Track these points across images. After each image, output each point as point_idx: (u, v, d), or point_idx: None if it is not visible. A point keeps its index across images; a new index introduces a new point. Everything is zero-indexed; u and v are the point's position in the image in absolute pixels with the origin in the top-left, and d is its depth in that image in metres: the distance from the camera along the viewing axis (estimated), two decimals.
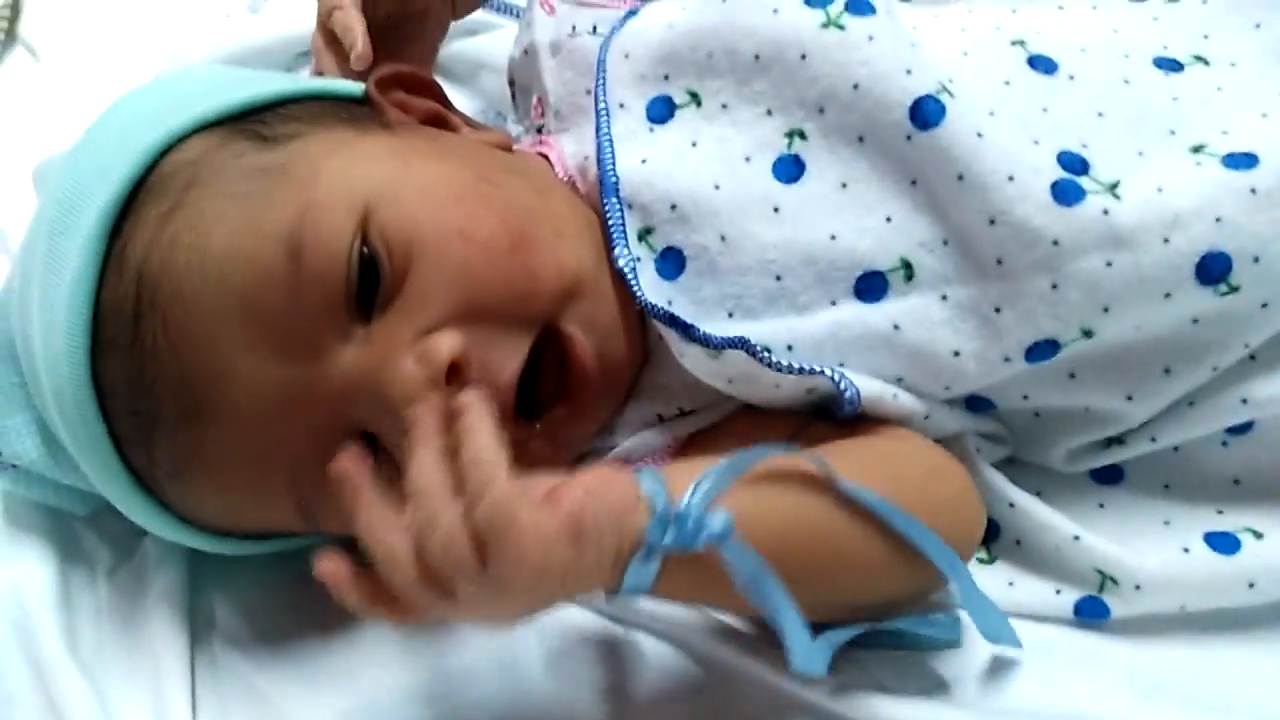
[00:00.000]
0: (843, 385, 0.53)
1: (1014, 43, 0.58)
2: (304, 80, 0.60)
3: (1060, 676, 0.53)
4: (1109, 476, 0.59)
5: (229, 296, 0.50)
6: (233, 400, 0.51)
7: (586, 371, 0.54)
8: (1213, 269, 0.51)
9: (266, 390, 0.51)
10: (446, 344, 0.50)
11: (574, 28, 0.64)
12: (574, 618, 0.57)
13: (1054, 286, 0.52)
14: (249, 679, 0.57)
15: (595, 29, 0.64)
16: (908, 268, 0.54)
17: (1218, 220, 0.51)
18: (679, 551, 0.45)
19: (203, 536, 0.58)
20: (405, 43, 0.70)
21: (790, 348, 0.55)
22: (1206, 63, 0.58)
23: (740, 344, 0.53)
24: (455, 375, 0.50)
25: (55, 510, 0.63)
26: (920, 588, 0.53)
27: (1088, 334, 0.53)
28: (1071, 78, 0.57)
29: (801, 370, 0.53)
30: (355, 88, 0.61)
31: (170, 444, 0.53)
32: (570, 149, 0.62)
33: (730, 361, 0.53)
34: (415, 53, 0.71)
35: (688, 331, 0.54)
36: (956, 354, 0.54)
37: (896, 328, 0.54)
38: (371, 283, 0.51)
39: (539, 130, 0.65)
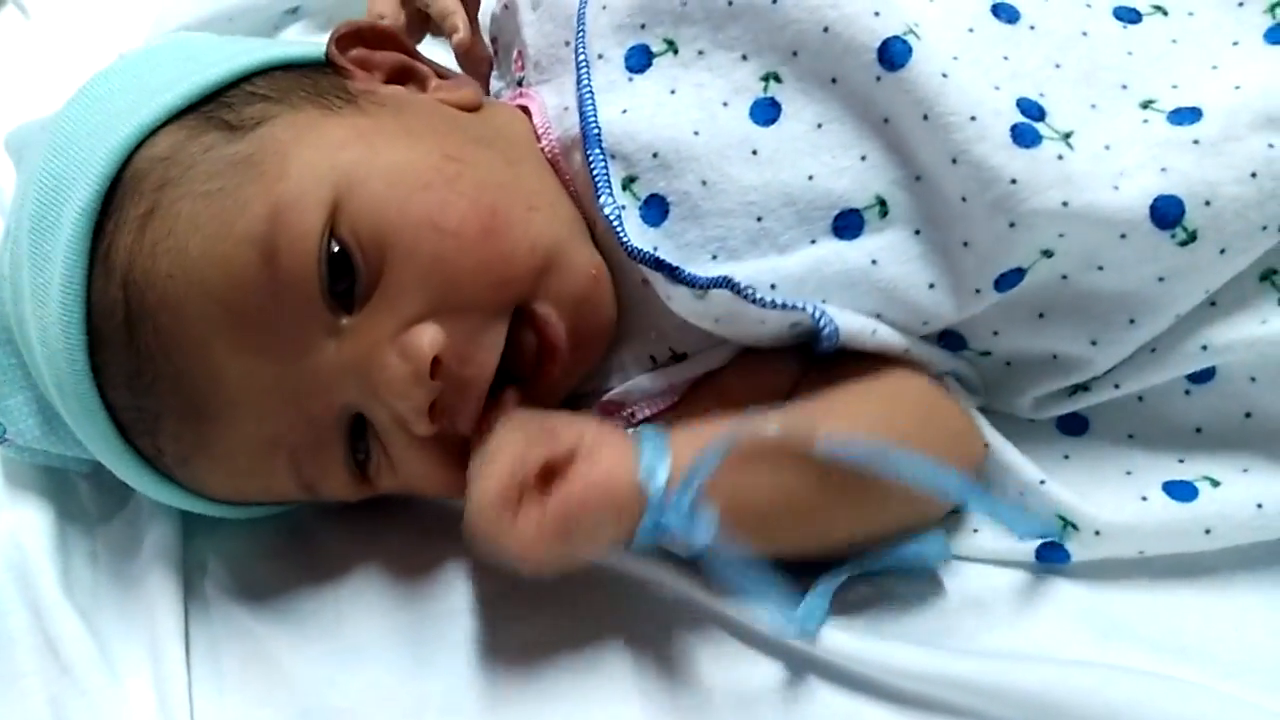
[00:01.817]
0: (822, 321, 0.55)
1: None
2: (268, 49, 0.60)
3: (1021, 618, 0.55)
4: (1075, 427, 0.61)
5: (211, 302, 0.51)
6: (229, 398, 0.53)
7: (557, 350, 0.56)
8: (1167, 212, 0.53)
9: (259, 387, 0.53)
10: (428, 338, 0.52)
11: None
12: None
13: (1011, 225, 0.53)
14: (240, 622, 0.59)
15: None
16: (882, 205, 0.56)
17: (1163, 170, 0.53)
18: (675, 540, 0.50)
19: (206, 504, 0.60)
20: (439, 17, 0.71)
21: (773, 286, 0.56)
22: (1165, 12, 0.60)
23: (725, 283, 0.55)
24: (437, 367, 0.52)
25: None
26: (924, 515, 0.56)
27: (1048, 254, 0.55)
28: (1033, 27, 0.58)
29: (783, 305, 0.55)
30: (318, 50, 0.61)
31: (175, 437, 0.55)
32: (551, 100, 0.63)
33: (715, 301, 0.55)
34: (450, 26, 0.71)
35: (674, 274, 0.56)
36: (931, 286, 0.56)
37: (874, 263, 0.56)
38: (348, 275, 0.53)
39: (519, 83, 0.66)
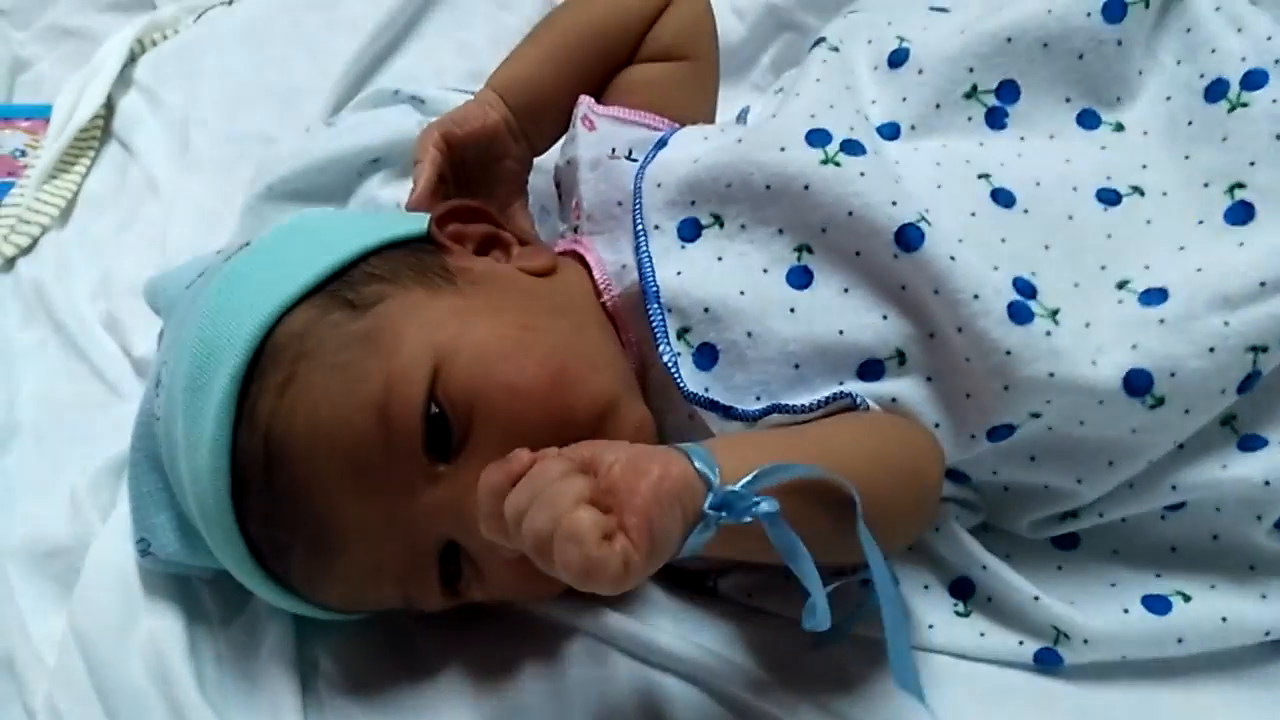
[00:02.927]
0: (859, 403, 0.64)
1: (980, 176, 0.70)
2: (379, 229, 0.69)
3: (1020, 713, 0.65)
4: (1066, 543, 0.71)
5: (338, 455, 0.61)
6: (347, 533, 0.63)
7: None
8: (1137, 383, 0.63)
9: (373, 525, 0.63)
10: None
11: (613, 150, 0.76)
12: (620, 664, 0.68)
13: (1005, 388, 0.63)
14: (351, 716, 0.68)
15: (631, 153, 0.76)
16: (901, 356, 0.66)
17: (1134, 347, 0.63)
18: (735, 522, 0.52)
19: (323, 611, 0.69)
20: (495, 185, 0.81)
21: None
22: (1142, 193, 0.70)
23: (775, 410, 0.65)
24: None
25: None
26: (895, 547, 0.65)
27: (1035, 415, 0.64)
28: (1026, 211, 0.68)
29: (827, 399, 0.64)
30: (419, 225, 0.71)
31: (302, 564, 0.65)
32: (607, 255, 0.73)
33: (767, 424, 0.65)
34: (505, 191, 0.83)
35: (728, 412, 0.66)
36: (937, 425, 0.66)
37: (894, 400, 0.66)
38: (444, 431, 0.62)
39: (575, 229, 0.77)
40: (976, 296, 0.63)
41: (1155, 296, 0.65)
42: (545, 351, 0.65)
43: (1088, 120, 0.74)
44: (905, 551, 0.71)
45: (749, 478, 0.53)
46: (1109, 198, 0.69)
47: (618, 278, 0.72)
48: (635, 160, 0.75)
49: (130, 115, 1.12)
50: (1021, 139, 0.73)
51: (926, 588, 0.70)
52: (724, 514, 0.52)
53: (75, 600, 0.72)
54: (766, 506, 0.53)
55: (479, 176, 0.81)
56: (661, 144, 0.76)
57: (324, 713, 0.69)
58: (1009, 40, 0.73)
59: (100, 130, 1.11)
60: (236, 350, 0.63)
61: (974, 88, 0.74)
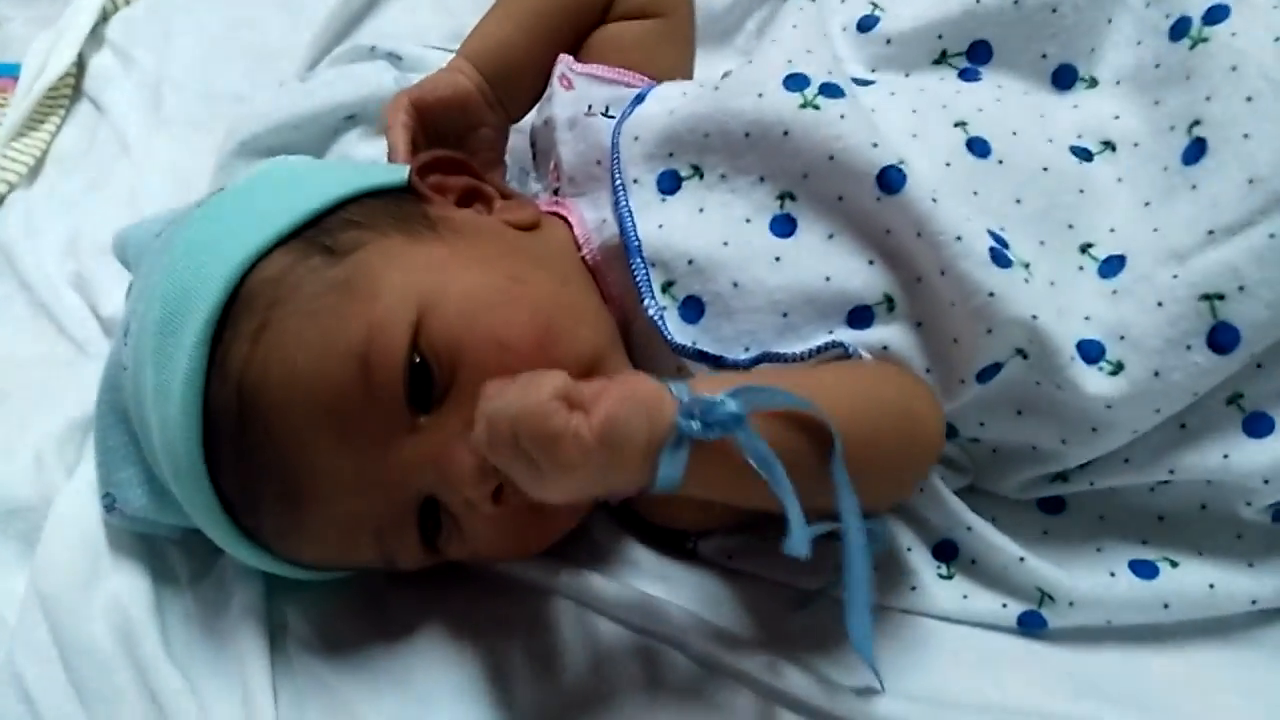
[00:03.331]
0: (852, 352, 0.63)
1: (957, 124, 0.69)
2: (358, 177, 0.67)
3: (1005, 677, 0.63)
4: (1053, 507, 0.70)
5: (314, 405, 0.59)
6: (322, 486, 0.61)
7: None
8: (1089, 351, 0.63)
9: (348, 476, 0.61)
10: None
11: (589, 107, 0.75)
12: (600, 626, 0.67)
13: (989, 331, 0.62)
14: (321, 677, 0.66)
15: (608, 109, 0.75)
16: (889, 301, 0.65)
17: (1086, 318, 0.63)
18: (705, 436, 0.51)
19: (295, 569, 0.67)
20: (471, 153, 0.79)
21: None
22: (1114, 148, 0.69)
23: (766, 358, 0.63)
24: None
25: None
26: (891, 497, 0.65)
27: (1022, 353, 0.63)
28: (1001, 162, 0.67)
29: (819, 349, 0.63)
30: (399, 175, 0.69)
31: (274, 517, 0.63)
32: (589, 214, 0.72)
33: (758, 372, 0.64)
34: (482, 160, 0.80)
35: (718, 362, 0.64)
36: (928, 371, 0.65)
37: (885, 348, 0.64)
38: (426, 382, 0.61)
39: (555, 191, 0.75)
40: (959, 238, 0.62)
41: (1113, 265, 0.65)
42: (533, 304, 0.64)
43: (1063, 78, 0.73)
44: (889, 513, 0.70)
45: (725, 393, 0.52)
46: (1083, 154, 0.69)
47: (598, 231, 0.71)
48: (612, 117, 0.74)
49: (102, 74, 1.10)
50: (999, 86, 0.73)
51: (909, 549, 0.69)
52: (694, 423, 0.51)
53: (38, 558, 0.70)
54: (733, 406, 0.51)
55: (454, 146, 0.79)
56: (639, 99, 0.74)
57: (293, 673, 0.67)
58: (977, 1, 0.72)
59: (71, 89, 1.09)
60: (209, 295, 0.61)
61: (943, 53, 0.73)
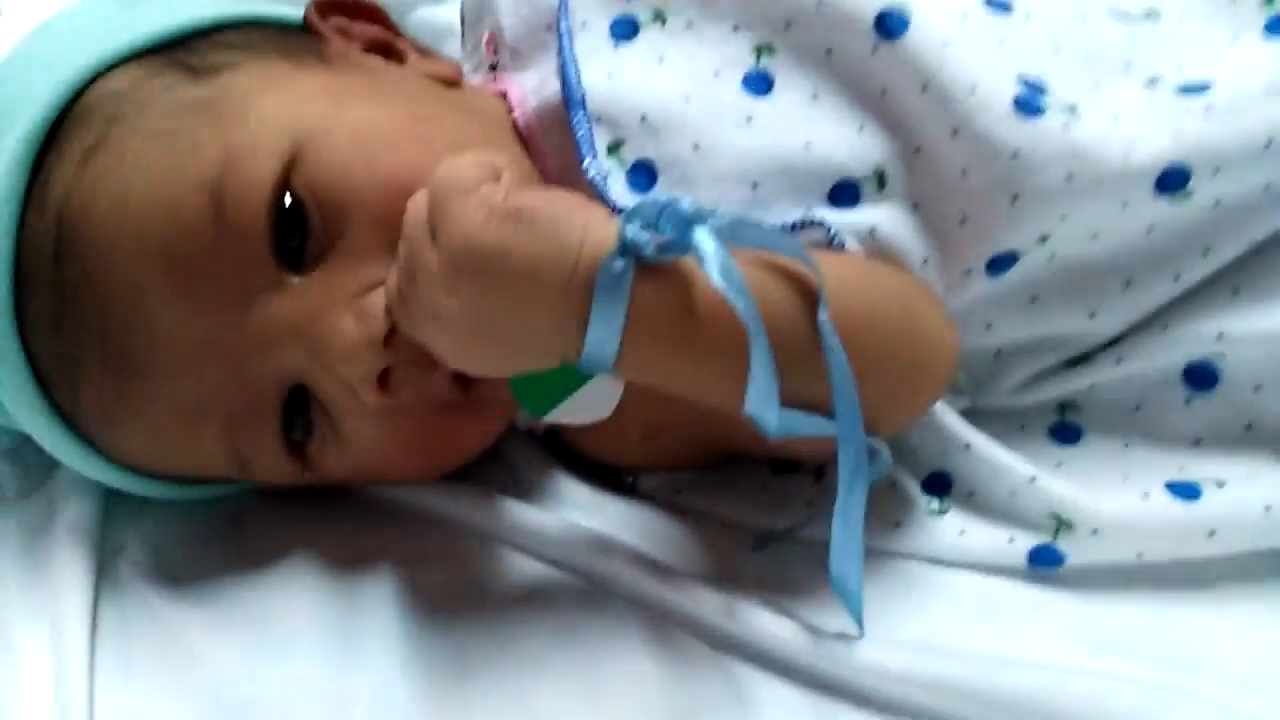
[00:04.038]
0: (833, 235, 0.52)
1: None
2: (241, 4, 0.58)
3: (1012, 627, 0.51)
4: (1067, 437, 0.58)
5: (150, 245, 0.48)
6: (158, 352, 0.49)
7: None
8: (1172, 180, 0.51)
9: (193, 342, 0.49)
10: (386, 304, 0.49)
11: None
12: (510, 561, 0.55)
13: (1014, 199, 0.51)
14: (156, 608, 0.54)
15: None
16: (880, 177, 0.53)
17: (1174, 138, 0.51)
18: (654, 252, 0.43)
19: (130, 478, 0.56)
20: None
21: None
22: (1158, 16, 0.58)
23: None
24: (393, 334, 0.49)
25: None
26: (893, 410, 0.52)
27: (1043, 239, 0.52)
28: (1028, 16, 0.56)
29: (798, 224, 0.52)
30: (295, 15, 0.59)
31: (97, 389, 0.51)
32: (532, 85, 0.59)
33: None
34: None
35: None
36: (925, 262, 0.53)
37: (872, 232, 0.53)
38: (299, 233, 0.49)
39: (492, 68, 0.63)
40: (974, 89, 0.51)
41: (1195, 88, 0.53)
42: (444, 147, 0.52)
43: None
44: None
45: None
46: (1122, 16, 0.58)
47: (536, 92, 0.59)
48: None
49: None
50: None
51: (893, 485, 0.56)
52: (641, 232, 0.43)
53: None
54: (688, 206, 0.43)
55: None
56: None
57: (123, 599, 0.54)
58: None
59: None
60: (34, 109, 0.50)
61: None
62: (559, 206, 0.45)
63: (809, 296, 0.47)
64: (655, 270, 0.44)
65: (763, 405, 0.43)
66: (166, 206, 0.48)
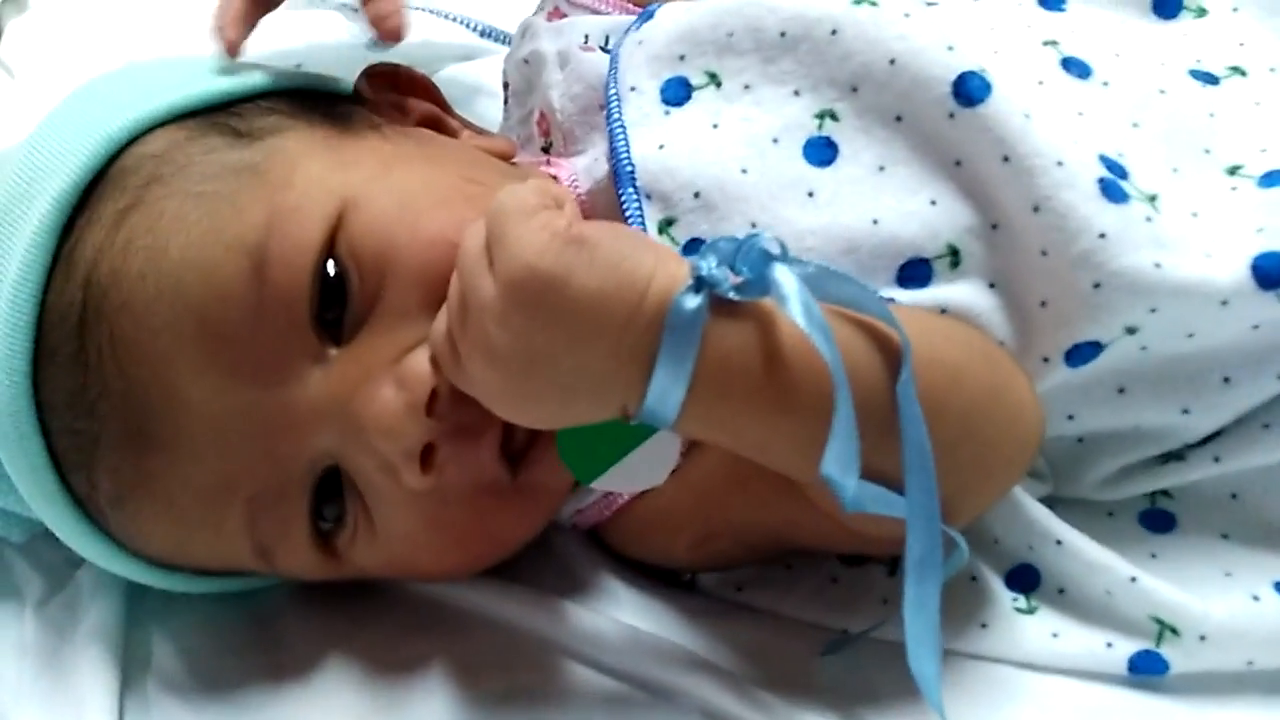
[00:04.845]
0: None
1: (1046, 43, 0.54)
2: (289, 72, 0.55)
3: None
4: (1158, 524, 0.54)
5: (185, 311, 0.45)
6: (184, 425, 0.46)
7: None
8: (1269, 269, 0.47)
9: (223, 416, 0.46)
10: (430, 363, 0.45)
11: (586, 38, 0.59)
12: (566, 670, 0.51)
13: (1096, 286, 0.47)
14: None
15: (608, 41, 0.59)
16: (954, 254, 0.50)
17: (1260, 230, 0.48)
18: (729, 289, 0.40)
19: (146, 570, 0.52)
20: None
21: None
22: (1244, 73, 0.55)
23: None
24: (435, 402, 0.45)
25: None
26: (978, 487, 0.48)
27: (1131, 331, 0.48)
28: (1106, 84, 0.53)
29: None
30: (344, 84, 0.56)
31: (114, 468, 0.47)
32: (583, 166, 0.56)
33: None
34: None
35: None
36: (1001, 344, 0.49)
37: (943, 311, 0.49)
38: (341, 299, 0.46)
39: (545, 150, 0.60)
40: (1060, 164, 0.47)
41: (1278, 177, 0.49)
42: None
43: (1166, 6, 0.59)
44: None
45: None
46: (1205, 78, 0.54)
47: (587, 173, 0.56)
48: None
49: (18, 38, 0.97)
50: (1089, 16, 0.58)
51: (974, 579, 0.52)
52: (715, 269, 0.40)
53: None
54: (767, 242, 0.41)
55: None
56: (647, 16, 0.59)
57: (149, 713, 0.50)
58: None
59: None
60: (66, 170, 0.47)
61: None
62: (626, 238, 0.42)
63: (891, 357, 0.43)
64: (730, 312, 0.41)
65: (843, 468, 0.39)
66: (204, 269, 0.45)
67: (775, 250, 0.41)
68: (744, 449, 0.45)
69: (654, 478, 0.46)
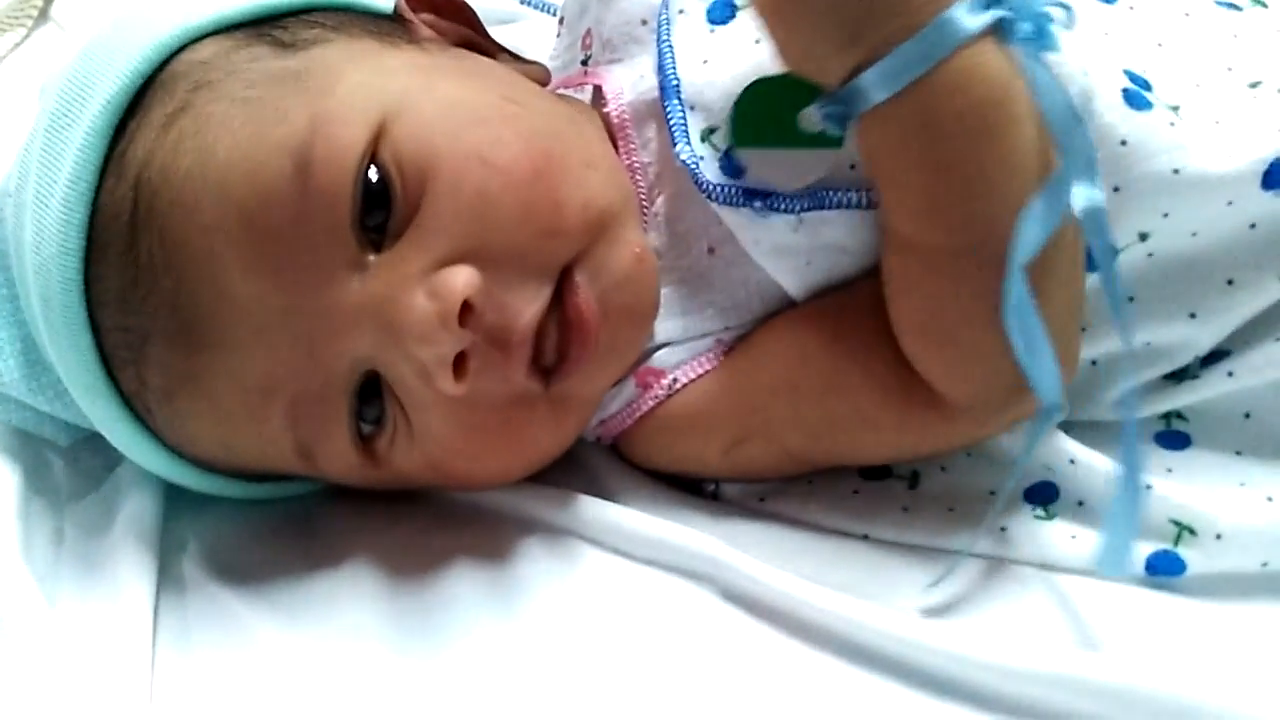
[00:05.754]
0: None
1: None
2: None
3: (1129, 642, 0.47)
4: (1173, 442, 0.55)
5: (231, 210, 0.46)
6: (230, 324, 0.47)
7: (589, 331, 0.50)
8: (1277, 175, 0.48)
9: (268, 315, 0.47)
10: (462, 278, 0.47)
11: None
12: (588, 555, 0.52)
13: (1116, 190, 0.49)
14: (219, 600, 0.51)
15: None
16: None
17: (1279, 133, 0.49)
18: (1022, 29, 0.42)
19: (188, 470, 0.54)
20: None
21: None
22: (1264, 4, 0.57)
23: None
24: (468, 314, 0.47)
25: (29, 435, 0.58)
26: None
27: (1143, 237, 0.50)
28: (1131, 8, 0.55)
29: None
30: (385, 3, 0.58)
31: (162, 365, 0.49)
32: (629, 80, 0.57)
33: (812, 229, 0.50)
34: None
35: (768, 203, 0.50)
36: None
37: None
38: (383, 209, 0.48)
39: (584, 62, 0.62)
40: (1085, 74, 0.49)
41: None
42: (531, 129, 0.51)
43: None
44: (964, 457, 0.55)
45: None
46: (1229, 5, 0.56)
47: (632, 87, 0.57)
48: None
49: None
50: None
51: (992, 493, 0.53)
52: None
53: None
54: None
55: None
56: None
57: (184, 595, 0.52)
58: None
59: (38, 10, 0.98)
60: (117, 77, 0.48)
61: None
62: None
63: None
64: (990, 52, 0.43)
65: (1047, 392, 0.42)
66: (249, 170, 0.46)
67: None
68: (899, 184, 0.47)
69: (793, 179, 0.49)
